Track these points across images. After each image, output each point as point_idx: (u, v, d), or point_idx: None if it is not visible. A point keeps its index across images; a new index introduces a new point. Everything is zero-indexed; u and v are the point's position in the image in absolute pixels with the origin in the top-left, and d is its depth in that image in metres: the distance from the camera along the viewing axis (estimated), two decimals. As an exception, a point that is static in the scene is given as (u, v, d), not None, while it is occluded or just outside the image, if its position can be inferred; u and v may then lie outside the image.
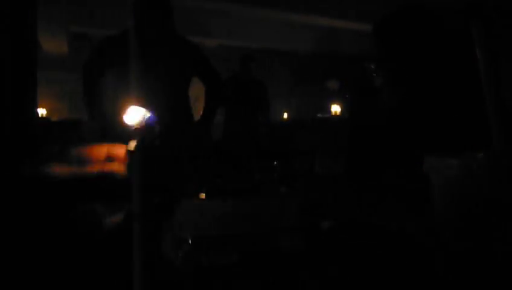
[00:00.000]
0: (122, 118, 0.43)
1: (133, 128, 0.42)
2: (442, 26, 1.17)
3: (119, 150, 0.42)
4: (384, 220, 0.83)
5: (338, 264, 0.69)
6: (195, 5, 5.07)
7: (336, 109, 5.37)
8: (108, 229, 0.38)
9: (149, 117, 0.44)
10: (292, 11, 5.32)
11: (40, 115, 5.01)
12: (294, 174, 1.29)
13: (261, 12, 5.47)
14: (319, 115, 5.37)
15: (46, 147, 0.39)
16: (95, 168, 0.37)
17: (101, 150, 0.42)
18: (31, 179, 0.33)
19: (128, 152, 0.41)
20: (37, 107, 2.46)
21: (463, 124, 1.01)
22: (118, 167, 0.38)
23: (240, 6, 5.19)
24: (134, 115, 0.44)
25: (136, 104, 0.45)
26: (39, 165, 0.35)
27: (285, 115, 6.33)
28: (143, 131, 0.41)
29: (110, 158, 0.42)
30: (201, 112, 2.32)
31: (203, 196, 0.99)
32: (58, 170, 0.35)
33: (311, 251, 0.72)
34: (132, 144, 0.41)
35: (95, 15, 4.99)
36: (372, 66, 1.26)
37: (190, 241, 0.65)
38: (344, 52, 6.50)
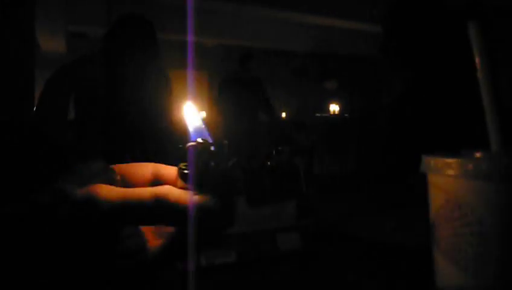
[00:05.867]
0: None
1: (187, 145, 0.33)
2: (450, 12, 1.17)
3: (167, 171, 0.36)
4: (384, 218, 0.83)
5: (336, 265, 0.69)
6: (194, 4, 5.06)
7: (334, 108, 5.37)
8: (151, 253, 0.33)
9: (204, 130, 0.36)
10: (291, 11, 5.32)
11: (38, 114, 5.00)
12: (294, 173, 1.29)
13: (260, 12, 5.47)
14: (318, 114, 5.38)
15: (87, 164, 0.34)
16: (147, 194, 0.31)
17: (147, 170, 0.36)
18: (80, 202, 0.29)
19: (184, 174, 0.33)
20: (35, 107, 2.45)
21: (462, 122, 1.02)
22: (171, 191, 0.31)
23: (239, 6, 5.19)
24: (192, 118, 0.36)
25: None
26: (82, 184, 0.30)
27: (284, 114, 6.34)
28: (202, 149, 0.33)
29: (157, 181, 0.36)
30: (199, 112, 2.30)
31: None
32: (106, 192, 0.30)
33: (310, 250, 0.72)
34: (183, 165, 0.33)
35: (94, 14, 4.98)
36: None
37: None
38: (343, 52, 6.51)
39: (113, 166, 0.36)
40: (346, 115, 5.18)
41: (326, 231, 0.82)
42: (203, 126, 0.36)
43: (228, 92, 3.75)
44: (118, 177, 0.35)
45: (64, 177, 0.32)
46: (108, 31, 1.82)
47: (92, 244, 0.30)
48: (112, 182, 0.33)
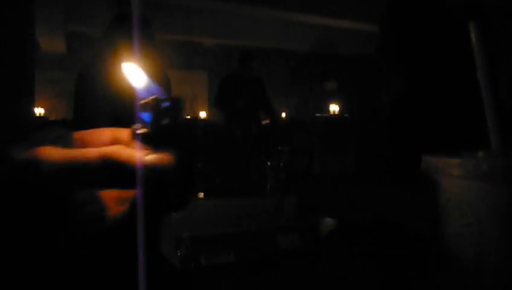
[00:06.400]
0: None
1: (139, 103, 0.31)
2: (450, 14, 1.17)
3: (125, 133, 0.34)
4: (385, 219, 0.83)
5: (336, 265, 0.69)
6: (195, 4, 5.07)
7: (334, 108, 5.37)
8: (112, 220, 0.30)
9: (154, 87, 0.33)
10: (291, 11, 5.31)
11: (38, 115, 5.01)
12: (293, 173, 1.29)
13: (260, 12, 5.47)
14: (318, 115, 5.37)
15: (45, 130, 0.32)
16: (94, 154, 0.29)
17: (105, 134, 0.34)
18: (21, 164, 0.27)
19: (135, 134, 0.31)
20: (35, 107, 2.45)
21: (462, 122, 1.01)
22: (120, 151, 0.29)
23: (239, 6, 5.19)
24: (136, 77, 0.32)
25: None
26: (29, 148, 0.28)
27: (284, 114, 6.33)
28: (153, 106, 0.30)
29: (115, 143, 0.34)
30: (199, 112, 2.31)
31: (201, 195, 0.99)
32: (49, 154, 0.28)
33: (310, 250, 0.72)
34: (139, 125, 0.31)
35: (94, 14, 4.98)
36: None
37: (189, 241, 0.65)
38: (343, 52, 6.50)
39: (72, 132, 0.34)
40: (346, 115, 5.18)
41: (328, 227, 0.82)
42: (152, 83, 0.33)
43: (229, 91, 3.73)
44: (76, 143, 0.33)
45: (19, 143, 0.30)
46: (106, 29, 1.82)
47: (40, 210, 0.28)
48: (68, 147, 0.31)
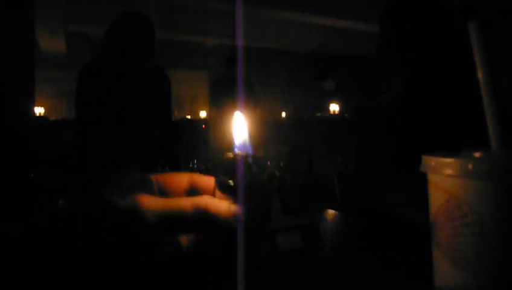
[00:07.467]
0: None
1: (231, 156, 0.34)
2: (450, 15, 1.17)
3: (204, 181, 0.37)
4: (384, 218, 0.83)
5: (337, 264, 0.69)
6: (196, 4, 5.07)
7: (334, 108, 5.38)
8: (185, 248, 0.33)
9: (248, 145, 0.35)
10: (292, 11, 5.32)
11: (38, 114, 5.01)
12: (293, 173, 1.29)
13: (260, 12, 5.47)
14: (318, 114, 5.38)
15: (125, 175, 0.35)
16: (188, 204, 0.32)
17: (183, 180, 0.37)
18: (126, 212, 0.31)
19: (225, 187, 0.34)
20: (35, 106, 2.45)
21: (462, 122, 1.01)
22: (211, 202, 0.33)
23: (240, 6, 5.19)
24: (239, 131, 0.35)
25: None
26: (125, 193, 0.32)
27: (284, 114, 6.33)
28: (246, 161, 0.33)
29: (193, 190, 0.37)
30: (199, 112, 2.31)
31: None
32: (149, 203, 0.31)
33: (310, 250, 0.72)
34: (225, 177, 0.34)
35: (94, 14, 4.98)
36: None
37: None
38: (341, 52, 6.50)
39: (149, 176, 0.37)
40: (346, 114, 5.18)
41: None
42: (247, 138, 0.36)
43: (219, 92, 3.79)
44: (155, 187, 0.36)
45: (105, 188, 0.33)
46: (108, 28, 1.82)
47: (133, 251, 0.31)
48: (150, 191, 0.35)
